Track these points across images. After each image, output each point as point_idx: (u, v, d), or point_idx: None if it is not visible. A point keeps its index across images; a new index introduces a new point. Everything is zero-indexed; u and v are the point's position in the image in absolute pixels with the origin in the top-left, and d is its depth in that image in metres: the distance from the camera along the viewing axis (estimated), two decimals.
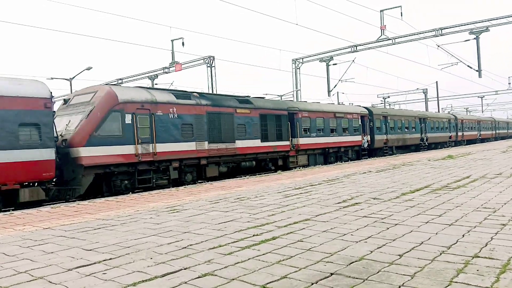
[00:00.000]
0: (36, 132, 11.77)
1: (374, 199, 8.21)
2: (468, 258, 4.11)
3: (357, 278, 3.68)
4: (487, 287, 3.36)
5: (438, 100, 58.34)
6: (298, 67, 36.44)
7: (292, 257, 4.44)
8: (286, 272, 3.93)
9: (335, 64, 35.70)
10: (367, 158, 26.69)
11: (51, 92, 12.32)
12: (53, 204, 11.01)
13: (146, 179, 14.62)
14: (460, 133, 45.79)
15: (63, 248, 5.37)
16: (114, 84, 15.16)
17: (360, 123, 27.82)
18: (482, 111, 77.51)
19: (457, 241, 4.75)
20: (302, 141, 22.31)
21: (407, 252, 4.43)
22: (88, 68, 29.35)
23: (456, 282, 3.49)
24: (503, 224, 5.49)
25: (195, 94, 17.33)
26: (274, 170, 19.99)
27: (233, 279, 3.81)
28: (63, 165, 12.67)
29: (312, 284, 3.60)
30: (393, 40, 30.93)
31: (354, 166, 18.35)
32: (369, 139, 28.60)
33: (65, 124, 13.39)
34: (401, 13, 28.50)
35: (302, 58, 36.39)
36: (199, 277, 3.90)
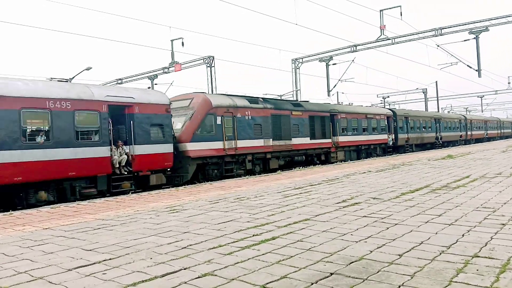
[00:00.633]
0: (161, 131, 14.93)
1: (374, 199, 8.21)
2: (468, 258, 4.11)
3: (357, 278, 3.68)
4: (487, 286, 3.36)
5: (437, 100, 58.35)
6: (297, 67, 36.43)
7: (292, 257, 4.44)
8: (286, 272, 3.93)
9: (335, 64, 35.67)
10: (392, 155, 29.90)
11: (169, 99, 15.73)
12: (53, 204, 11.02)
13: (229, 169, 17.82)
14: (469, 132, 48.78)
15: (63, 248, 5.36)
16: (202, 92, 19.23)
17: (386, 123, 30.89)
18: (482, 111, 77.56)
19: (457, 241, 4.75)
20: (341, 139, 25.54)
21: (407, 252, 4.43)
22: (88, 68, 29.28)
23: (456, 281, 3.49)
24: (503, 224, 5.49)
25: (260, 99, 20.65)
26: (319, 164, 22.84)
27: (233, 279, 3.81)
28: (174, 157, 15.55)
29: (312, 284, 3.60)
30: (393, 40, 30.92)
31: (353, 166, 18.36)
32: (393, 137, 31.74)
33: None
34: (401, 13, 28.45)
35: (302, 58, 36.37)
36: (199, 277, 3.90)
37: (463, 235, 5.00)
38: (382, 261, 4.12)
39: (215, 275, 3.94)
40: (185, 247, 5.06)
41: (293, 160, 21.81)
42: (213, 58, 31.55)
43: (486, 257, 4.11)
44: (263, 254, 4.59)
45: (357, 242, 4.93)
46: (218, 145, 17.20)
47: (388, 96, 64.12)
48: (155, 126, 14.72)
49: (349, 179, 12.23)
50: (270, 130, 19.90)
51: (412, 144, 34.46)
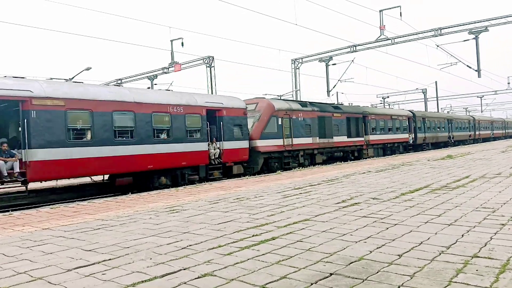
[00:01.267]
0: (240, 130, 18.36)
1: (374, 199, 8.21)
2: (468, 258, 4.11)
3: (356, 278, 3.68)
4: (487, 287, 3.36)
5: (437, 100, 58.36)
6: (297, 67, 36.43)
7: (291, 257, 4.44)
8: (285, 272, 3.93)
9: (335, 64, 35.67)
10: (412, 152, 32.99)
11: (245, 104, 19.32)
12: (53, 204, 11.01)
13: (286, 162, 21.03)
14: (477, 132, 52.14)
15: (62, 248, 5.36)
16: (262, 97, 22.45)
17: (407, 123, 34.19)
18: (482, 111, 77.56)
19: (456, 241, 4.75)
20: (371, 137, 28.89)
21: (406, 252, 4.43)
22: (87, 69, 29.28)
23: (455, 282, 3.49)
24: (503, 224, 5.49)
25: (308, 103, 23.89)
26: (353, 159, 26.41)
27: (232, 280, 3.81)
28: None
29: (312, 284, 3.60)
30: (393, 40, 30.93)
31: (353, 166, 18.36)
32: (413, 136, 34.95)
33: None
34: (401, 13, 28.46)
35: (302, 58, 36.38)
36: (198, 278, 3.90)
37: (462, 236, 5.00)
38: (381, 261, 4.12)
39: (215, 276, 3.94)
40: (184, 248, 5.06)
41: (333, 155, 25.07)
42: (213, 58, 31.55)
43: (485, 258, 4.11)
44: (262, 255, 4.59)
45: (356, 242, 4.93)
46: (279, 142, 20.49)
47: (388, 96, 64.12)
48: (236, 126, 18.22)
49: (348, 179, 12.23)
50: (317, 130, 23.17)
51: (428, 143, 37.54)
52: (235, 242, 5.23)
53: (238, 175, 17.88)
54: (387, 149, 31.22)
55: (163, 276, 4.00)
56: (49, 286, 3.89)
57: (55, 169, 12.32)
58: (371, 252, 4.49)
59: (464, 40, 29.05)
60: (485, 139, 55.03)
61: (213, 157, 17.06)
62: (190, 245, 5.16)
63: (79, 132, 13.04)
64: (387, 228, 5.58)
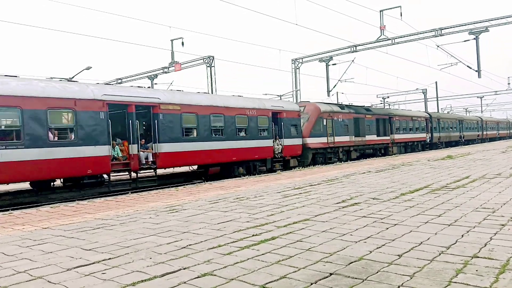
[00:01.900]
0: (295, 129, 21.90)
1: (374, 199, 8.21)
2: (467, 258, 4.11)
3: (356, 278, 3.68)
4: (486, 287, 3.36)
5: (437, 100, 58.32)
6: (297, 67, 36.41)
7: (291, 257, 4.44)
8: (285, 272, 3.93)
9: (335, 64, 35.62)
10: (429, 150, 36.38)
11: (300, 107, 23.01)
12: (53, 204, 11.01)
13: (329, 157, 24.61)
14: (485, 132, 55.74)
15: (62, 247, 5.36)
16: (306, 101, 26.30)
17: (425, 124, 37.82)
18: (482, 111, 77.54)
19: (456, 241, 4.75)
20: (396, 136, 32.47)
21: (406, 252, 4.43)
22: (88, 68, 29.29)
23: (455, 282, 3.49)
24: (502, 225, 5.49)
25: (345, 105, 27.27)
26: (381, 155, 29.59)
27: (232, 279, 3.81)
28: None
29: (312, 284, 3.60)
30: (393, 40, 30.90)
31: (353, 166, 18.36)
32: (430, 136, 38.45)
33: None
34: (401, 13, 28.41)
35: (302, 58, 36.35)
36: (198, 277, 3.90)
37: (462, 236, 5.00)
38: (381, 261, 4.12)
39: (215, 275, 3.94)
40: (184, 247, 5.06)
41: (364, 152, 28.27)
42: (213, 58, 31.53)
43: (485, 258, 4.11)
44: (262, 254, 4.59)
45: (356, 242, 4.93)
46: (324, 140, 24.03)
47: (388, 97, 64.06)
48: (293, 126, 21.72)
49: (348, 179, 12.23)
50: (353, 129, 26.56)
51: (442, 142, 41.07)
52: (235, 241, 5.23)
53: (294, 168, 21.28)
54: (408, 147, 34.61)
55: (163, 275, 3.99)
56: (49, 285, 3.88)
57: (175, 159, 15.73)
58: (371, 252, 4.49)
59: (464, 41, 29.03)
60: (492, 139, 58.45)
61: (276, 152, 20.56)
62: (190, 245, 5.16)
63: (189, 131, 16.42)
64: (387, 228, 5.58)
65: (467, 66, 30.73)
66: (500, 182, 9.97)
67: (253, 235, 5.52)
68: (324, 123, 24.08)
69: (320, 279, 3.70)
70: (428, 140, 37.95)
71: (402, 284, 3.50)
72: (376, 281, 3.58)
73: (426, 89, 57.86)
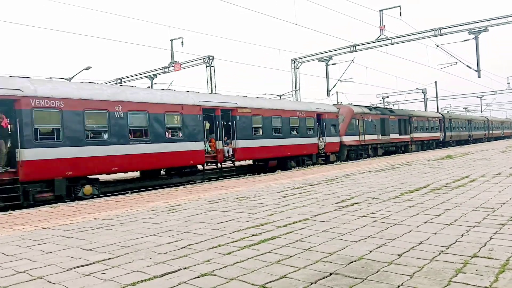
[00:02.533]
0: (334, 128, 24.74)
1: (373, 199, 8.21)
2: (467, 258, 4.11)
3: (356, 278, 3.68)
4: (486, 287, 3.36)
5: (437, 100, 58.33)
6: (297, 67, 36.41)
7: (291, 256, 4.44)
8: (285, 272, 3.93)
9: (334, 64, 35.66)
10: (442, 148, 38.40)
11: (337, 109, 25.78)
12: (53, 204, 11.01)
13: (360, 154, 27.18)
14: (490, 132, 58.48)
15: (62, 248, 5.36)
16: (339, 103, 29.42)
17: (439, 124, 40.73)
18: (481, 111, 77.54)
19: (456, 241, 4.76)
20: (415, 135, 35.22)
21: (406, 252, 4.43)
22: (87, 68, 29.31)
23: (455, 282, 3.49)
24: (502, 224, 5.49)
25: (372, 107, 30.70)
26: (402, 152, 32.21)
27: (232, 279, 3.81)
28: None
29: (311, 283, 3.60)
30: (392, 40, 30.92)
31: (353, 166, 18.37)
32: (443, 135, 41.31)
33: None
34: (400, 13, 28.42)
35: (301, 58, 36.35)
36: (198, 277, 3.90)
37: (462, 235, 5.00)
38: (381, 261, 4.12)
39: (215, 275, 3.94)
40: (184, 247, 5.06)
41: (388, 149, 30.88)
42: (213, 57, 31.54)
43: (485, 257, 4.11)
44: (262, 254, 4.59)
45: (356, 242, 4.93)
46: (356, 138, 26.79)
47: (388, 96, 64.12)
48: (332, 126, 24.62)
49: (348, 179, 12.23)
50: (379, 129, 29.49)
51: (454, 140, 43.76)
52: (235, 241, 5.23)
53: (333, 162, 23.97)
54: (424, 145, 37.45)
55: (162, 275, 4.00)
56: (48, 285, 3.88)
57: (248, 153, 18.89)
58: (370, 251, 4.49)
59: (464, 40, 29.04)
60: (497, 138, 61.59)
61: (320, 148, 23.32)
62: (189, 245, 5.16)
63: (257, 130, 19.42)
64: (387, 228, 5.58)
65: (467, 65, 30.76)
66: (499, 181, 9.97)
67: (253, 235, 5.52)
68: (357, 123, 26.89)
69: (320, 279, 3.70)
70: (441, 139, 40.68)
71: (402, 283, 3.50)
72: (376, 281, 3.58)
73: (425, 88, 57.95)
